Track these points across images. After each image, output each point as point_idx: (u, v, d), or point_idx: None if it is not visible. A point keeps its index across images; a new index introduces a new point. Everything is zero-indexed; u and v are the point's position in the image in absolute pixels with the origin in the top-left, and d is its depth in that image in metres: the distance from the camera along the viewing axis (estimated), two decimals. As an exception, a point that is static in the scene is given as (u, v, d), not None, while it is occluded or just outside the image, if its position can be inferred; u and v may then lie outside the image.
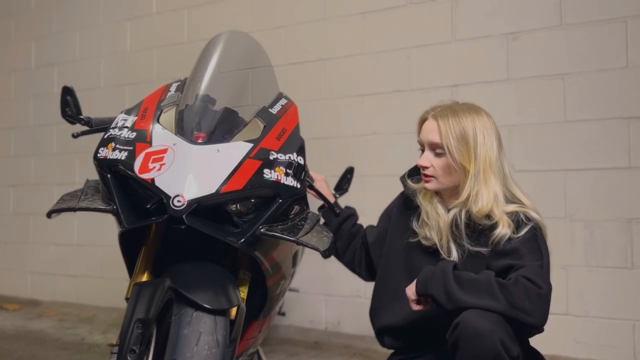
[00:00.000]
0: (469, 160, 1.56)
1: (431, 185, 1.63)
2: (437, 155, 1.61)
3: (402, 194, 1.84)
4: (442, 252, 1.61)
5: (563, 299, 2.53)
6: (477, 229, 1.58)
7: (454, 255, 1.59)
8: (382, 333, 1.78)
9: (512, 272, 1.48)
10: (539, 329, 1.47)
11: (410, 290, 1.56)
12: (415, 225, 1.69)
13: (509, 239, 1.52)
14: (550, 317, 1.47)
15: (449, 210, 1.62)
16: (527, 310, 1.42)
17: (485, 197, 1.55)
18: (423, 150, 1.66)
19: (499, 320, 1.41)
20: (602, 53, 2.50)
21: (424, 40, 2.88)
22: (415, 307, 1.55)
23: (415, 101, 2.89)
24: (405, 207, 1.78)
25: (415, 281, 1.55)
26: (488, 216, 1.55)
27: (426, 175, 1.63)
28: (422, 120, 1.68)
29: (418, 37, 2.89)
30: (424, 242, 1.66)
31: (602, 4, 2.50)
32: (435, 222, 1.63)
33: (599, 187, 2.49)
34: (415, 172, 1.77)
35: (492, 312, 1.41)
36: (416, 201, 1.70)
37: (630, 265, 2.43)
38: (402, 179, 1.79)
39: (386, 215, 1.88)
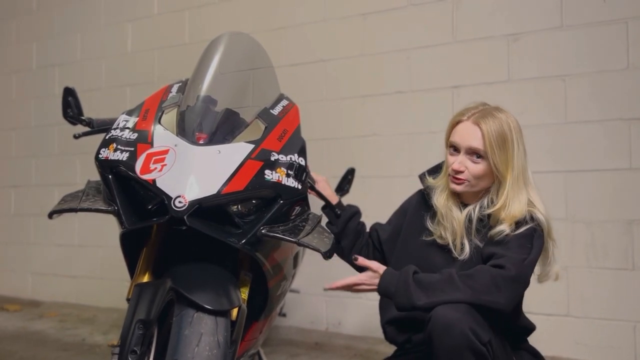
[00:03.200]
0: (507, 168, 1.58)
1: (461, 188, 1.63)
2: (475, 161, 1.60)
3: (419, 192, 1.85)
4: (454, 251, 1.63)
5: (564, 301, 2.53)
6: (487, 225, 1.61)
7: (466, 251, 1.61)
8: (388, 325, 1.80)
9: (492, 260, 1.52)
10: (506, 313, 1.50)
11: (370, 281, 1.60)
12: (429, 224, 1.71)
13: (506, 234, 1.55)
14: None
15: (464, 208, 1.65)
16: (493, 293, 1.45)
17: (517, 206, 1.57)
18: (452, 151, 1.65)
19: (467, 308, 1.44)
20: (603, 54, 2.50)
21: (424, 41, 2.88)
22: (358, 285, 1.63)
23: (416, 102, 2.89)
24: (422, 205, 1.80)
25: (379, 278, 1.58)
26: (512, 221, 1.57)
27: (458, 179, 1.62)
28: (456, 123, 1.66)
29: (419, 38, 2.90)
30: (438, 240, 1.68)
31: (603, 5, 2.50)
32: (450, 224, 1.65)
33: (599, 188, 2.49)
34: (433, 172, 1.78)
35: (458, 302, 1.44)
36: (431, 201, 1.71)
37: (631, 267, 2.43)
38: (422, 177, 1.80)
39: (402, 212, 1.89)
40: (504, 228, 1.55)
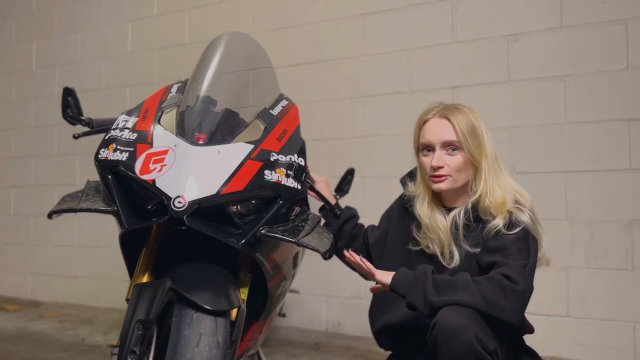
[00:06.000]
0: (481, 155, 1.60)
1: (445, 185, 1.61)
2: (451, 153, 1.60)
3: (402, 196, 1.84)
4: (443, 261, 1.62)
5: (564, 301, 2.53)
6: (476, 228, 1.59)
7: (456, 259, 1.60)
8: (381, 334, 1.79)
9: (494, 269, 1.50)
10: (514, 326, 1.48)
11: (382, 281, 1.58)
12: (416, 234, 1.69)
13: (501, 234, 1.54)
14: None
15: (448, 213, 1.63)
16: (502, 306, 1.44)
17: (499, 190, 1.58)
18: (426, 152, 1.65)
19: (474, 316, 1.42)
20: (602, 55, 2.50)
21: (424, 41, 2.88)
22: (374, 289, 1.64)
23: (416, 103, 2.89)
24: (404, 212, 1.78)
25: (391, 276, 1.56)
26: (499, 206, 1.57)
27: (439, 176, 1.61)
28: (423, 122, 1.67)
29: (419, 39, 2.90)
30: (427, 250, 1.67)
31: (603, 6, 2.50)
32: (436, 235, 1.63)
33: (599, 189, 2.49)
34: (410, 176, 1.77)
35: (468, 307, 1.43)
36: (412, 210, 1.70)
37: (630, 267, 2.43)
38: (403, 181, 1.80)
39: (387, 217, 1.88)
40: (498, 222, 1.54)
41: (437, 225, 1.63)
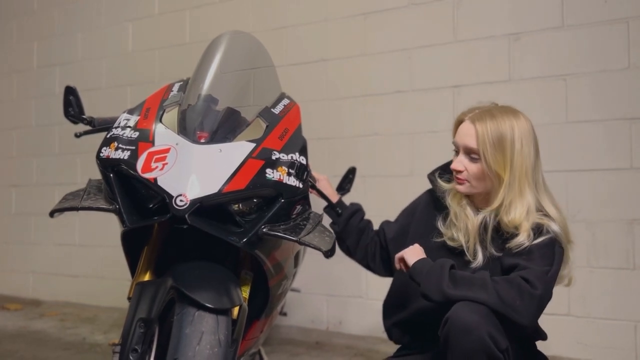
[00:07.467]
0: (504, 168, 1.54)
1: (463, 189, 1.61)
2: (472, 160, 1.58)
3: (429, 191, 1.82)
4: (468, 254, 1.60)
5: (565, 300, 2.53)
6: (503, 235, 1.57)
7: (480, 258, 1.58)
8: (393, 327, 1.79)
9: (515, 271, 1.49)
10: (527, 329, 1.47)
11: (405, 259, 1.59)
12: (441, 225, 1.68)
13: (526, 246, 1.52)
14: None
15: (478, 213, 1.61)
16: (517, 308, 1.42)
17: (519, 208, 1.53)
18: (457, 152, 1.64)
19: (487, 313, 1.41)
20: (604, 54, 2.50)
21: (425, 40, 2.88)
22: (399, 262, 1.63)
23: (417, 102, 2.89)
24: (432, 206, 1.76)
25: (416, 258, 1.57)
26: (516, 227, 1.54)
27: (459, 179, 1.61)
28: (459, 122, 1.65)
29: (419, 38, 2.90)
30: (449, 242, 1.64)
31: (604, 5, 2.50)
32: (463, 224, 1.61)
33: (600, 188, 2.49)
34: (445, 171, 1.75)
35: (482, 304, 1.42)
36: (445, 201, 1.68)
37: (632, 267, 2.43)
38: (431, 177, 1.77)
39: (410, 211, 1.86)
40: (523, 240, 1.51)
41: (465, 215, 1.61)
